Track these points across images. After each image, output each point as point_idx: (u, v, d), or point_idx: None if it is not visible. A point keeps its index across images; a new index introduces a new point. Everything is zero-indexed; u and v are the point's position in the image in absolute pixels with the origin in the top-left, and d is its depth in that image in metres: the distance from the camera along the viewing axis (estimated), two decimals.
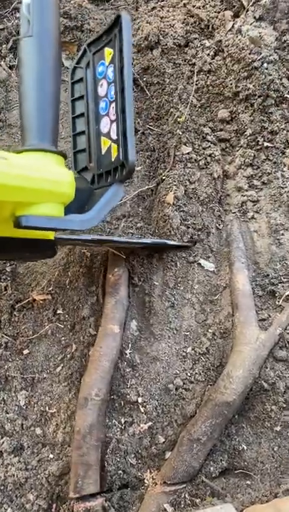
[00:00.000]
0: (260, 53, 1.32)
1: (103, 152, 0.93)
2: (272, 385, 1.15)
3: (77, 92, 1.02)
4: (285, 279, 1.27)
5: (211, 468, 1.11)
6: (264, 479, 1.08)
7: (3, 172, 0.70)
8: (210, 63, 1.37)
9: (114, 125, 0.89)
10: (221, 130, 1.41)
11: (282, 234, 1.33)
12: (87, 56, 0.99)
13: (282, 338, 1.19)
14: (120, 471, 1.12)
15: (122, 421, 1.18)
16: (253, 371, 1.14)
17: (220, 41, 1.36)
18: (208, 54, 1.37)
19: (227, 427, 1.16)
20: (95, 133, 0.96)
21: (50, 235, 0.93)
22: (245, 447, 1.14)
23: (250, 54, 1.32)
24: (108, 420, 1.18)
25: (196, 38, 1.39)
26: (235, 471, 1.11)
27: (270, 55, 1.32)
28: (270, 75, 1.32)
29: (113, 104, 0.89)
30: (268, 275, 1.29)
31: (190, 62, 1.40)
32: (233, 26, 1.35)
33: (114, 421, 1.18)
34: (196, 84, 1.39)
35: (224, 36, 1.35)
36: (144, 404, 1.18)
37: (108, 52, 0.92)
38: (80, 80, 1.01)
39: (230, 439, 1.15)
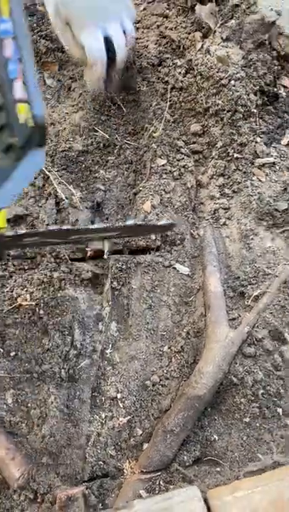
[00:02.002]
0: (228, 71, 1.42)
1: (21, 121, 0.80)
2: (241, 379, 1.24)
3: None
4: (254, 281, 1.37)
5: (185, 458, 1.19)
6: (233, 466, 1.17)
7: None
8: (182, 81, 1.47)
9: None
10: (194, 143, 1.51)
11: (252, 239, 1.43)
12: None
13: (251, 335, 1.28)
14: (101, 462, 1.21)
15: (103, 416, 1.27)
16: (223, 367, 1.23)
17: (190, 60, 1.46)
18: (180, 72, 1.47)
19: (200, 420, 1.25)
20: (11, 103, 0.81)
21: None
22: (217, 437, 1.23)
23: (218, 72, 1.42)
24: (90, 415, 1.27)
25: (168, 58, 1.49)
26: (207, 459, 1.20)
27: (237, 73, 1.42)
28: (238, 91, 1.42)
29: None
30: (239, 277, 1.38)
31: (163, 80, 1.50)
32: (202, 46, 1.45)
33: (95, 416, 1.27)
34: (170, 101, 1.49)
35: (194, 56, 1.45)
36: (123, 399, 1.27)
37: (4, 2, 0.78)
38: None
39: (203, 431, 1.24)
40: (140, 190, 1.47)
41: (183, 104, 1.50)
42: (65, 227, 1.03)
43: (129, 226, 1.18)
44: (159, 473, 1.16)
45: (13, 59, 0.77)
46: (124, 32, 1.31)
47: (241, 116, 1.44)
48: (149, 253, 1.44)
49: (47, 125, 0.76)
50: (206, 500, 0.92)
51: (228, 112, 1.44)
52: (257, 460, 1.09)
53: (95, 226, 1.11)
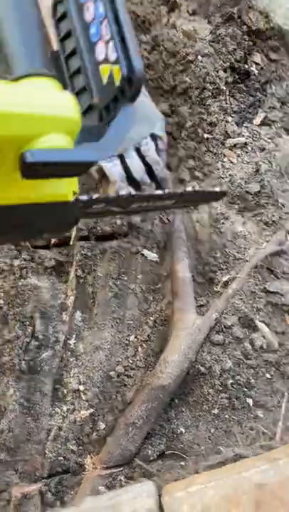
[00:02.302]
0: (195, 47, 1.35)
1: (104, 82, 0.81)
2: (209, 368, 1.18)
3: (63, 30, 0.89)
4: (224, 266, 1.31)
5: (149, 452, 1.13)
6: (198, 460, 1.11)
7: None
8: (147, 58, 1.40)
9: (110, 44, 0.77)
10: None
11: (223, 223, 1.36)
12: None
13: (219, 322, 1.22)
14: (61, 458, 1.15)
15: (65, 409, 1.21)
16: (189, 355, 1.17)
17: (156, 36, 1.39)
18: (146, 49, 1.40)
19: (167, 412, 1.19)
20: (92, 65, 0.84)
21: (69, 195, 0.82)
22: (184, 430, 1.17)
23: (184, 48, 1.35)
24: (51, 409, 1.21)
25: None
26: (172, 453, 1.14)
27: (204, 48, 1.36)
28: (205, 67, 1.35)
29: (104, 22, 0.77)
30: (209, 263, 1.32)
31: None
32: (168, 21, 1.38)
33: (56, 409, 1.21)
34: None
35: (160, 31, 1.38)
36: (86, 391, 1.21)
37: None
38: (64, 15, 0.88)
39: (170, 423, 1.18)
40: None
41: (149, 82, 1.43)
42: (132, 192, 0.99)
43: (188, 193, 1.11)
44: (121, 469, 1.10)
45: (96, 22, 0.78)
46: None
47: (210, 94, 1.38)
48: (116, 239, 1.37)
49: (143, 78, 0.75)
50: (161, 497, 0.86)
51: (196, 89, 1.38)
52: (219, 453, 1.03)
53: (159, 192, 1.06)
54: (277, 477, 0.79)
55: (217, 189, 1.20)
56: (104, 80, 0.80)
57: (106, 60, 0.78)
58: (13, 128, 0.62)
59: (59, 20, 0.88)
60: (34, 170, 0.65)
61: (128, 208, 1.08)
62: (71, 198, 0.81)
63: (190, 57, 1.35)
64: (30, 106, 0.63)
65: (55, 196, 0.79)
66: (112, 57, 0.76)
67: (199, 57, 1.35)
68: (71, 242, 1.33)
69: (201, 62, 1.35)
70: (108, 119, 0.80)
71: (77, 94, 0.87)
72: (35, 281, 1.33)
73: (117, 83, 0.76)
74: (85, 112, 0.86)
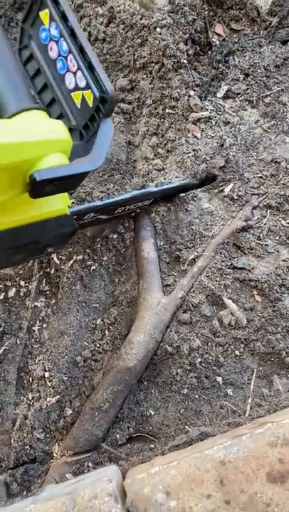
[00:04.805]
0: (152, 18, 1.30)
1: (79, 106, 0.94)
2: (177, 348, 1.15)
3: (31, 70, 1.03)
4: (191, 244, 1.27)
5: (118, 436, 1.10)
6: (168, 441, 1.08)
7: (2, 132, 0.71)
8: (104, 31, 1.35)
9: (78, 74, 0.91)
10: (122, 100, 1.39)
11: (189, 200, 1.33)
12: (26, 33, 1.00)
13: (186, 301, 1.19)
14: (27, 447, 1.11)
15: (30, 397, 1.17)
16: (155, 335, 1.14)
17: (112, 8, 1.33)
18: (102, 22, 1.35)
19: (135, 394, 1.16)
20: (65, 94, 0.97)
21: (65, 208, 0.93)
22: (153, 412, 1.14)
23: (141, 19, 1.30)
24: (16, 397, 1.17)
25: (88, 6, 1.37)
26: (141, 436, 1.11)
27: (162, 19, 1.31)
28: (164, 40, 1.30)
29: (70, 56, 0.91)
30: (175, 241, 1.28)
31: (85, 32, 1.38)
32: None
33: (22, 397, 1.17)
34: None
35: (115, 2, 1.33)
36: (51, 378, 1.17)
37: (44, 14, 0.94)
38: (30, 57, 1.02)
39: (139, 406, 1.15)
40: None
41: (108, 56, 1.37)
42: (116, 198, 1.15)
43: (168, 188, 1.25)
44: (89, 455, 1.07)
45: (61, 57, 0.93)
46: None
47: (171, 67, 1.33)
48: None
49: (115, 97, 0.93)
50: None
51: (156, 63, 1.33)
52: (186, 433, 1.00)
53: (138, 192, 1.19)
54: (240, 453, 0.77)
55: (182, 183, 1.29)
56: (79, 105, 0.94)
57: (76, 88, 0.93)
58: (20, 154, 0.72)
59: (25, 63, 1.03)
60: (42, 188, 0.75)
61: (115, 214, 1.19)
62: (68, 211, 0.94)
63: (148, 30, 1.30)
64: (30, 134, 0.74)
65: (54, 212, 0.92)
66: (82, 84, 0.91)
67: (158, 29, 1.30)
68: None
69: (160, 34, 1.30)
70: (89, 135, 0.95)
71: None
72: None
73: (91, 105, 0.90)
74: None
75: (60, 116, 1.00)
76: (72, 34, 0.89)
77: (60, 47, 0.93)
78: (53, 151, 0.77)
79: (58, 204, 0.92)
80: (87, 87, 0.90)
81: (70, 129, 0.98)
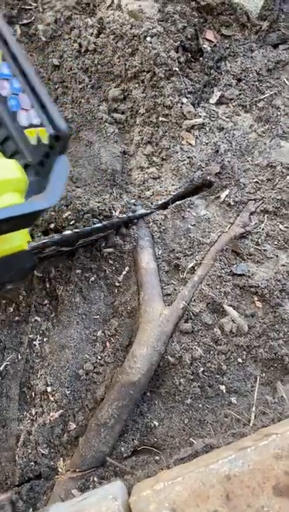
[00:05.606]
0: (142, 27, 1.30)
1: (34, 143, 0.94)
2: (179, 358, 1.14)
3: None
4: (189, 252, 1.27)
5: (122, 449, 1.10)
6: (173, 453, 1.07)
7: None
8: (94, 42, 1.34)
9: (31, 111, 0.91)
10: (116, 110, 1.39)
11: (185, 207, 1.32)
12: None
13: (187, 310, 1.18)
14: (32, 463, 1.11)
15: (33, 412, 1.16)
16: (158, 347, 1.13)
17: (101, 19, 1.33)
18: (92, 33, 1.34)
19: (139, 406, 1.15)
20: (18, 131, 0.96)
21: (24, 244, 0.93)
22: (157, 424, 1.13)
23: (131, 29, 1.30)
24: (19, 413, 1.16)
25: (77, 18, 1.36)
26: (146, 449, 1.10)
27: (152, 28, 1.31)
28: (155, 48, 1.30)
29: (22, 95, 0.91)
30: (173, 250, 1.28)
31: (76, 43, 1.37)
32: (112, 1, 1.33)
33: (25, 413, 1.17)
34: (84, 65, 1.37)
35: (105, 13, 1.33)
36: (54, 392, 1.16)
37: None
38: None
39: (143, 417, 1.15)
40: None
41: (99, 67, 1.37)
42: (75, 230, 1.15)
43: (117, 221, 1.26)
44: (94, 469, 1.06)
45: (13, 95, 0.91)
46: None
47: (162, 76, 1.33)
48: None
49: (69, 134, 0.92)
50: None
51: (147, 72, 1.33)
52: (191, 445, 0.99)
53: (99, 225, 1.20)
54: (245, 466, 0.76)
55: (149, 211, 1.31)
56: (33, 142, 0.93)
57: (30, 125, 0.92)
58: None
59: None
60: None
61: (76, 245, 1.20)
62: (26, 247, 0.93)
63: (138, 39, 1.30)
64: None
65: (13, 248, 0.91)
66: (36, 121, 0.90)
67: (148, 38, 1.30)
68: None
69: (150, 43, 1.30)
70: (45, 172, 0.93)
71: (11, 157, 0.99)
72: None
73: (46, 142, 0.89)
74: (24, 169, 0.97)
75: (15, 153, 0.99)
76: (23, 73, 0.88)
77: (11, 85, 0.92)
78: (6, 191, 0.79)
79: (17, 240, 0.92)
80: (42, 124, 0.90)
81: (27, 166, 0.98)
